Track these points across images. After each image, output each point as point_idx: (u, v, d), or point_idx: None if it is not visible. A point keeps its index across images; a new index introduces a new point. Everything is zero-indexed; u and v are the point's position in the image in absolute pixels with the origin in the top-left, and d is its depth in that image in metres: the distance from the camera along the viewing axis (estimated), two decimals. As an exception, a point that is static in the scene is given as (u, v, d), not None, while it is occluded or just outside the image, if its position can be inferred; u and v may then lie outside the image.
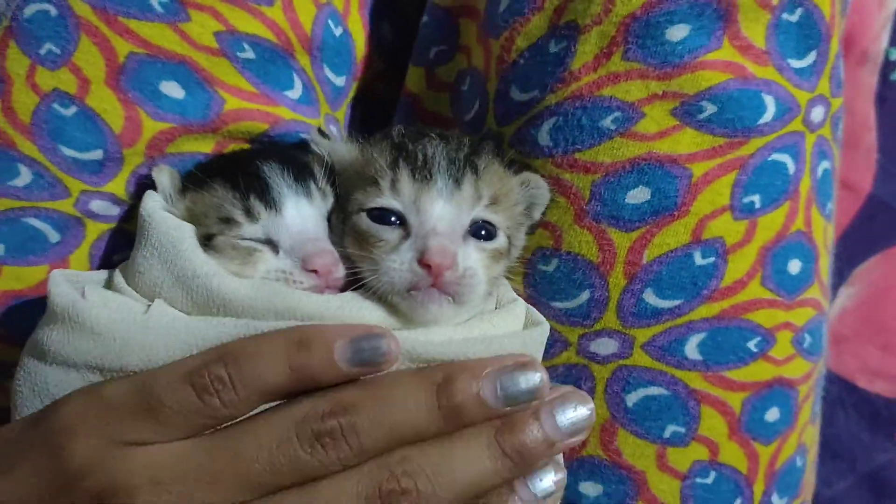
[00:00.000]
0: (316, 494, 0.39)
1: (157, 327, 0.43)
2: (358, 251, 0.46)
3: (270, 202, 0.47)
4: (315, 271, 0.46)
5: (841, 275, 0.83)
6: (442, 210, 0.46)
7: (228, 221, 0.47)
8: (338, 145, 0.52)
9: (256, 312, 0.44)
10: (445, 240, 0.45)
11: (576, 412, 0.42)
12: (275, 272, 0.46)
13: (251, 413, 0.42)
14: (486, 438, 0.41)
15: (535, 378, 0.41)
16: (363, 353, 0.41)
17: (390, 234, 0.46)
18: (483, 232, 0.47)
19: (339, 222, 0.49)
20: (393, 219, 0.46)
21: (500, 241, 0.48)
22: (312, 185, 0.49)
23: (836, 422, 0.85)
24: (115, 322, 0.43)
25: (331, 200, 0.50)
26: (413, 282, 0.44)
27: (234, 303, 0.44)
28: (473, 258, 0.46)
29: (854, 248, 0.83)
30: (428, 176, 0.46)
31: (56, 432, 0.41)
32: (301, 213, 0.48)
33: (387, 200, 0.46)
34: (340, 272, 0.47)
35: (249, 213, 0.47)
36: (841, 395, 0.85)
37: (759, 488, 0.54)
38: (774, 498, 0.55)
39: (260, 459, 0.39)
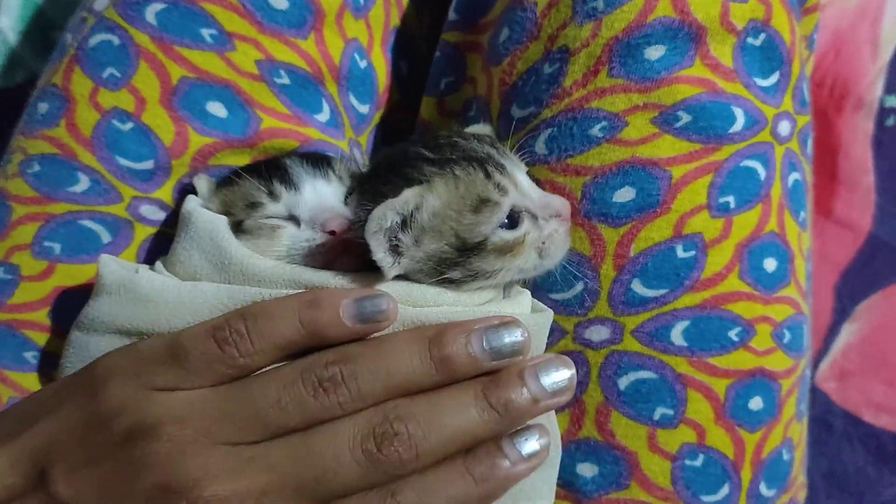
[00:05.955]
0: (316, 434, 0.43)
1: (206, 291, 0.48)
2: (502, 261, 0.49)
3: (290, 183, 0.52)
4: (333, 232, 0.50)
5: (844, 311, 0.85)
6: (527, 179, 0.51)
7: (254, 205, 0.52)
8: (432, 197, 0.49)
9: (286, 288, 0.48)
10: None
11: (558, 372, 0.46)
12: (298, 242, 0.50)
13: (269, 368, 0.46)
14: (474, 391, 0.45)
15: (517, 334, 0.45)
16: (365, 310, 0.45)
17: (525, 226, 0.49)
18: None
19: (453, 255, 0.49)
20: (511, 218, 0.49)
21: None
22: (330, 171, 0.54)
23: (843, 455, 0.85)
24: (167, 288, 0.48)
25: (347, 185, 0.54)
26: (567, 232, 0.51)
27: (266, 281, 0.48)
28: None
29: (856, 285, 0.85)
30: (503, 166, 0.50)
31: (94, 378, 0.46)
32: (318, 191, 0.52)
33: (505, 205, 0.48)
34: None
35: (272, 195, 0.52)
36: (847, 429, 0.86)
37: (746, 475, 0.56)
38: (762, 487, 0.57)
39: (269, 401, 0.43)
